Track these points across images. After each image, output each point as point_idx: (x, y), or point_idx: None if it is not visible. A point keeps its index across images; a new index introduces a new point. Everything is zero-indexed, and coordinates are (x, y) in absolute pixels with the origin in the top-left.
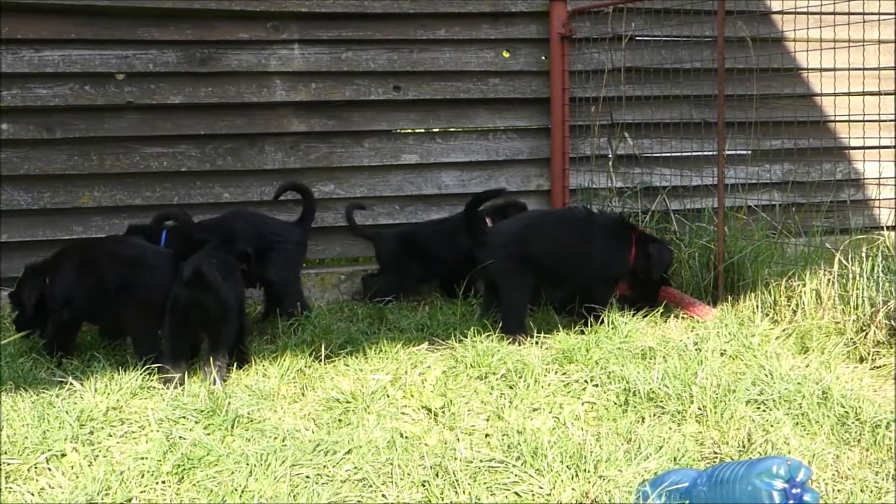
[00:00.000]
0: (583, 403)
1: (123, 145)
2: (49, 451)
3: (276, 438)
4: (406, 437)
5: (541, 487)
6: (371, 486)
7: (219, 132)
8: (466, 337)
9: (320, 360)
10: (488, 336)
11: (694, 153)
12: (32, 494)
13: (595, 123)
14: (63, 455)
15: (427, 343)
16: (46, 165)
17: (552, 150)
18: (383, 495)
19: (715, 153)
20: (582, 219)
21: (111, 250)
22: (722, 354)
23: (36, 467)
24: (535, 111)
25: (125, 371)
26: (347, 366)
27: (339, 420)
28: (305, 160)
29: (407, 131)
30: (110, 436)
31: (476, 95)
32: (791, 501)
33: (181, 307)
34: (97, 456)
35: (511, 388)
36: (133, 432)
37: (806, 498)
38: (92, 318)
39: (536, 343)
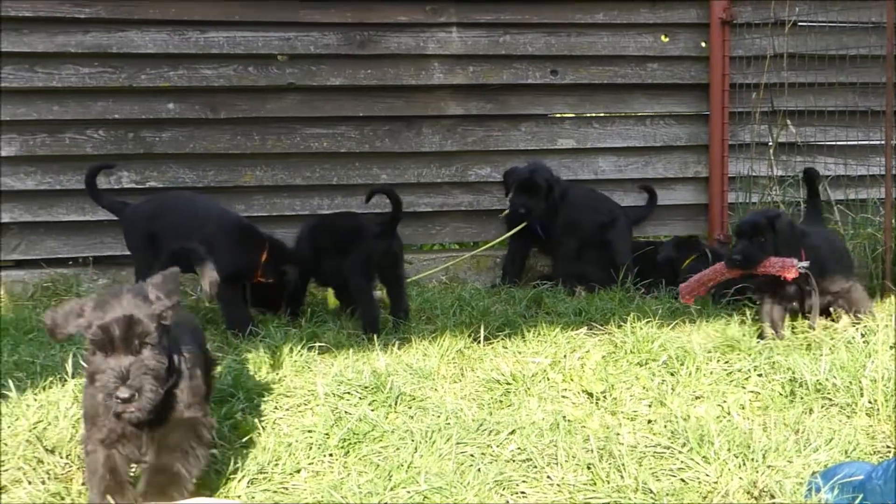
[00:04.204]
0: (747, 393)
1: (284, 126)
2: (220, 419)
3: (439, 416)
4: (568, 420)
5: (707, 475)
6: (536, 466)
7: (377, 114)
8: (626, 323)
9: (479, 342)
10: (648, 322)
11: (859, 142)
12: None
13: (756, 110)
14: (235, 427)
15: (585, 328)
16: (210, 144)
17: (711, 136)
18: (548, 476)
19: (882, 142)
20: None
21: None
22: (892, 348)
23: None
24: (693, 97)
25: (290, 347)
26: (506, 348)
27: (500, 401)
28: (462, 143)
29: (563, 115)
30: (276, 408)
31: (634, 80)
32: None
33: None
34: (265, 427)
35: (672, 374)
36: (299, 406)
37: None
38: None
39: (697, 331)
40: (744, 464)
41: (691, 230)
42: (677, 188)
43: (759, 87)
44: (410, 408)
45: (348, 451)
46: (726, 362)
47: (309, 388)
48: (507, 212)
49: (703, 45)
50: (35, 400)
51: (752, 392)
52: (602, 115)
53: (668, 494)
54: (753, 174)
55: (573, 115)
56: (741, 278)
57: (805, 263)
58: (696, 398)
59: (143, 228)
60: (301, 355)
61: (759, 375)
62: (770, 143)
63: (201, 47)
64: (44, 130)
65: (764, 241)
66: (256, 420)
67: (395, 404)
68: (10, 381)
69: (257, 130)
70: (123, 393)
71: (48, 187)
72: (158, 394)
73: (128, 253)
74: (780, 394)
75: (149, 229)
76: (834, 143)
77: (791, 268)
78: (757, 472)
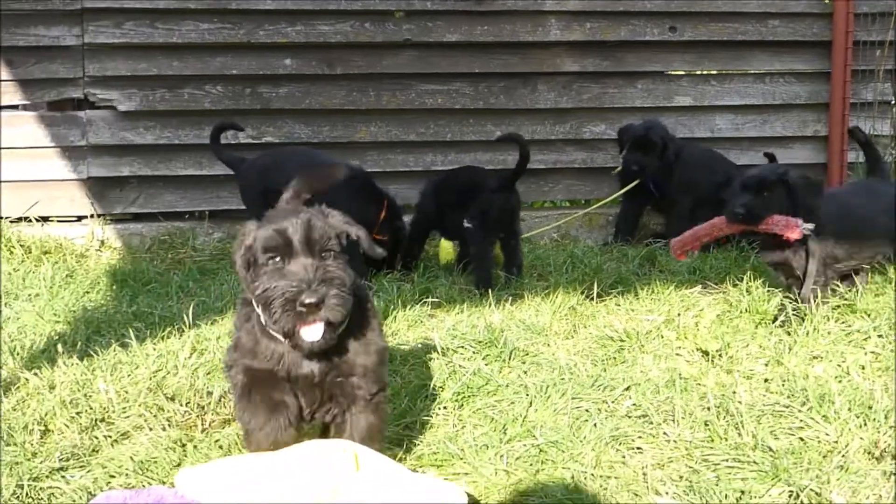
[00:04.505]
0: (867, 353)
1: (400, 82)
2: None
3: (553, 372)
4: (684, 378)
5: (827, 434)
6: (652, 423)
7: (493, 71)
8: (741, 282)
9: (591, 299)
10: (764, 282)
11: None
12: None
13: (879, 68)
14: None
15: (700, 287)
16: (326, 100)
17: (832, 94)
18: (665, 433)
19: None
20: None
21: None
22: None
23: None
24: (815, 54)
25: (403, 301)
26: (619, 305)
27: (614, 358)
28: (577, 100)
29: (681, 73)
30: (390, 361)
31: (754, 37)
32: None
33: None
34: None
35: (789, 334)
36: (413, 359)
37: None
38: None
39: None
40: (865, 424)
41: None
42: (795, 147)
43: (883, 44)
44: (524, 363)
45: (462, 405)
46: (844, 323)
47: (422, 342)
48: (619, 169)
49: (827, 1)
50: (154, 349)
51: (872, 353)
52: (720, 72)
53: (787, 453)
54: (875, 133)
55: (691, 73)
56: (741, 235)
57: (810, 225)
58: (814, 358)
59: (258, 183)
60: (414, 310)
61: (880, 336)
62: (893, 102)
63: (319, 3)
64: (163, 86)
65: (769, 197)
66: None
67: (509, 359)
68: (130, 331)
69: (373, 86)
70: (311, 297)
71: (167, 142)
72: (347, 308)
73: (243, 207)
74: None
75: (265, 184)
76: None
77: (794, 227)
78: (879, 432)
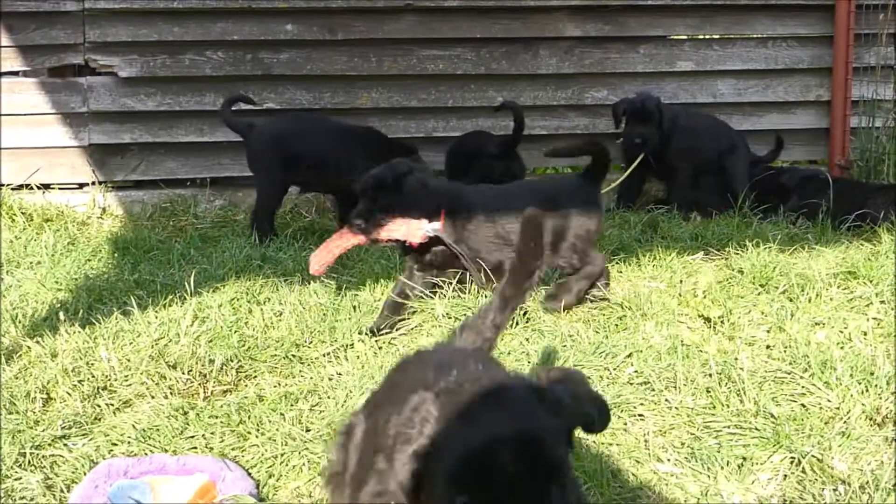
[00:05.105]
0: (869, 319)
1: (401, 47)
2: (336, 342)
3: (555, 339)
4: (686, 345)
5: (829, 400)
6: (653, 389)
7: (494, 36)
8: (744, 248)
9: None
10: (766, 248)
11: None
12: (322, 379)
13: (882, 32)
14: (351, 346)
15: (702, 253)
16: (327, 66)
17: (835, 59)
18: (666, 399)
19: None
20: None
21: None
22: None
23: (326, 355)
24: (818, 18)
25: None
26: (621, 272)
27: (616, 325)
28: (579, 65)
29: (683, 37)
30: (392, 328)
31: (756, 1)
32: None
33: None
34: (381, 347)
35: (791, 300)
36: (415, 328)
37: None
38: None
39: (817, 257)
40: (867, 390)
41: (811, 155)
42: (798, 112)
43: (886, 7)
44: (526, 330)
45: None
46: (847, 289)
47: (423, 309)
48: (621, 140)
49: None
50: (156, 317)
51: (874, 319)
52: (722, 36)
53: (788, 419)
54: (878, 98)
55: (693, 37)
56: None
57: (435, 225)
58: (816, 324)
59: (271, 151)
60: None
61: (882, 302)
62: None
63: None
64: (164, 52)
65: (389, 200)
66: (372, 340)
67: (511, 326)
68: (131, 299)
69: (374, 52)
70: None
71: (168, 108)
72: None
73: (245, 174)
74: None
75: (279, 151)
76: None
77: (417, 232)
78: (880, 398)
